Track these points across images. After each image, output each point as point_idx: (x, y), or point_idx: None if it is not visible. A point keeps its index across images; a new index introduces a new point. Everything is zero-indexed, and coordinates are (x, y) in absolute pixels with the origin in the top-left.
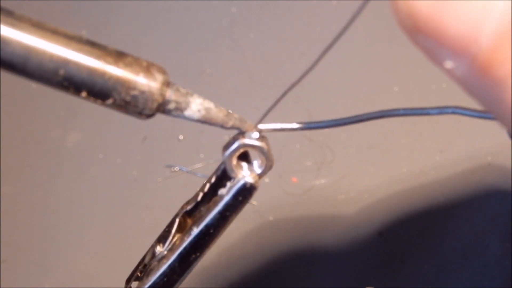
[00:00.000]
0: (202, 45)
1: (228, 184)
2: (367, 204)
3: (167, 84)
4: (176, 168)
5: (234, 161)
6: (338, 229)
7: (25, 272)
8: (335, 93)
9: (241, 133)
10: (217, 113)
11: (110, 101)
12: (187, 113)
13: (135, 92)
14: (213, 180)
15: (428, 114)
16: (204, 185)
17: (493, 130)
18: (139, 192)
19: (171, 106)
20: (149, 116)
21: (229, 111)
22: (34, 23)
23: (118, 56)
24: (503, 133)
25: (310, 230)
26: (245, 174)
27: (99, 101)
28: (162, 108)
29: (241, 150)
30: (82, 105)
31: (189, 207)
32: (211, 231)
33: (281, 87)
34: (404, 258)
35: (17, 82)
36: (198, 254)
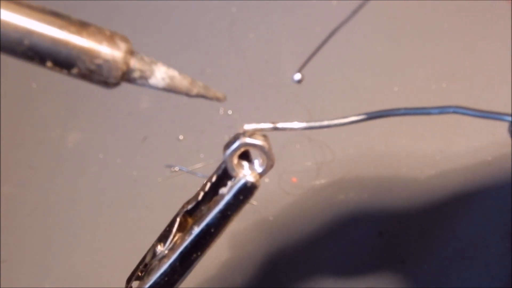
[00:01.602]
0: (202, 45)
1: (229, 183)
2: (367, 204)
3: (130, 52)
4: (176, 168)
5: (235, 160)
6: (338, 229)
7: (25, 272)
8: (335, 93)
9: (242, 133)
10: (181, 81)
11: (75, 70)
12: (152, 81)
13: (99, 61)
14: (214, 179)
15: (429, 113)
16: (205, 184)
17: (493, 130)
18: (139, 192)
19: (136, 74)
20: (115, 84)
21: (194, 79)
22: None
23: (82, 25)
24: (503, 133)
25: (310, 230)
26: (246, 173)
27: (64, 70)
28: (126, 76)
29: (242, 149)
30: (82, 105)
31: (190, 207)
32: (212, 230)
33: (281, 87)
34: (404, 258)
35: (17, 82)
36: (199, 254)
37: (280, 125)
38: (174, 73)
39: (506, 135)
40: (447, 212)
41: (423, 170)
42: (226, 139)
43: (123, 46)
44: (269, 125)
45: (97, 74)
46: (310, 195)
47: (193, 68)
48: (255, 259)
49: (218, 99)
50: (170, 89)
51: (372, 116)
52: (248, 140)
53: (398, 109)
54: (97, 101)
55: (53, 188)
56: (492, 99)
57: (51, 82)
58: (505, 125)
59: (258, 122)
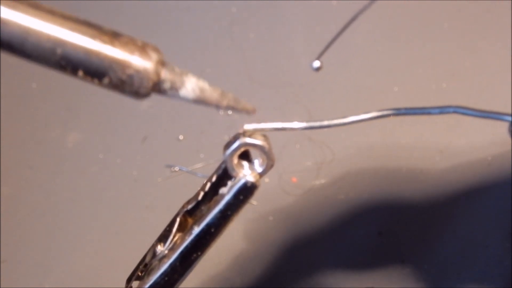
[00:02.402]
0: (202, 45)
1: (229, 183)
2: (367, 204)
3: (162, 63)
4: (176, 168)
5: (235, 160)
6: (338, 229)
7: (25, 272)
8: (335, 93)
9: (242, 133)
10: (212, 92)
11: (106, 80)
12: (182, 92)
13: (130, 71)
14: (214, 179)
15: (429, 113)
16: (205, 184)
17: (493, 130)
18: (139, 192)
19: (166, 85)
20: (145, 95)
21: (224, 90)
22: (31, 3)
23: (114, 35)
24: (503, 133)
25: (310, 230)
26: (246, 173)
27: (95, 80)
28: (157, 87)
29: (242, 149)
30: (82, 105)
31: (190, 206)
32: (212, 230)
33: (281, 87)
34: (404, 258)
35: (17, 82)
36: (199, 253)
37: (280, 125)
38: (204, 84)
39: (506, 135)
40: (447, 212)
41: (423, 170)
42: (226, 139)
43: (154, 56)
44: (269, 125)
45: (128, 85)
46: (310, 195)
47: (193, 68)
48: (255, 259)
49: (247, 112)
50: (200, 101)
51: (373, 116)
52: (248, 140)
53: (399, 109)
54: (97, 101)
55: (53, 188)
56: (492, 99)
57: (51, 82)
58: (505, 125)
59: (258, 122)
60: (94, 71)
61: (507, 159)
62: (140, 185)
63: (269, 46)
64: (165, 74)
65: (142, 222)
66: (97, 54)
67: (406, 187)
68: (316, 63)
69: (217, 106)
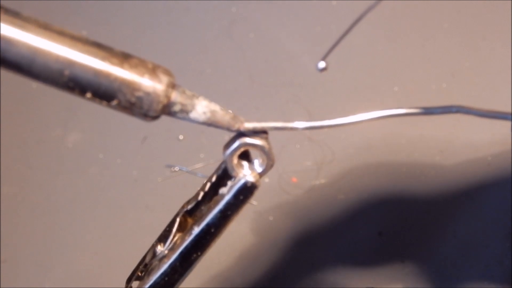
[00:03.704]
0: (202, 45)
1: (229, 183)
2: (367, 204)
3: (172, 86)
4: (176, 168)
5: (235, 160)
6: (338, 229)
7: (25, 272)
8: (335, 93)
9: (242, 133)
10: (223, 116)
11: (115, 102)
12: (193, 115)
13: (140, 94)
14: (214, 179)
15: (431, 113)
16: (205, 184)
17: (493, 130)
18: (139, 192)
19: (176, 108)
20: (154, 118)
21: (236, 114)
22: (40, 24)
23: (124, 57)
24: (503, 133)
25: (310, 230)
26: (246, 173)
27: (104, 102)
28: (167, 110)
29: (242, 149)
30: (82, 105)
31: (190, 206)
32: (212, 230)
33: (281, 87)
34: (404, 258)
35: (17, 82)
36: (199, 253)
37: (280, 124)
38: (215, 107)
39: (506, 135)
40: (447, 212)
41: (423, 170)
42: (226, 139)
43: (165, 79)
44: (269, 124)
45: (137, 107)
46: (310, 195)
47: (193, 68)
48: (255, 259)
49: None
50: (211, 124)
51: (374, 117)
52: (248, 140)
53: (400, 109)
54: None
55: (53, 188)
56: (492, 99)
57: None
58: (506, 125)
59: (258, 121)
60: (103, 93)
61: (507, 159)
62: (140, 185)
63: (269, 46)
64: (175, 97)
65: (142, 222)
66: (107, 76)
67: (406, 187)
68: (322, 64)
69: (228, 129)
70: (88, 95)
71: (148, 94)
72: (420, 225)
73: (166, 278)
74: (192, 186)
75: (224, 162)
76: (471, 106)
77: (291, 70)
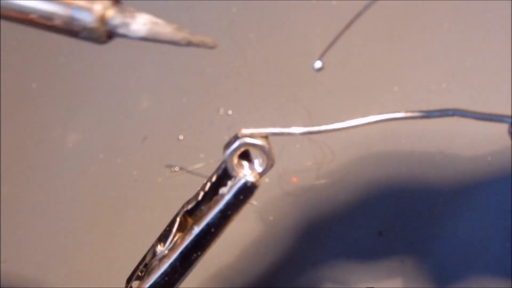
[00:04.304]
0: None
1: (229, 183)
2: (367, 204)
3: (113, 2)
4: (176, 168)
5: (235, 160)
6: (338, 229)
7: (25, 272)
8: (335, 93)
9: (243, 134)
10: (165, 27)
11: (57, 21)
12: (133, 27)
13: (75, 6)
14: (214, 179)
15: (428, 117)
16: (205, 184)
17: (493, 130)
18: (139, 192)
19: (117, 21)
20: (99, 35)
21: (180, 26)
22: None
23: None
24: (503, 133)
25: (310, 230)
26: (246, 173)
27: (48, 22)
28: (107, 24)
29: (242, 149)
30: (82, 105)
31: (190, 206)
32: (212, 230)
33: (281, 87)
34: (404, 258)
35: (17, 82)
36: (199, 253)
37: (278, 130)
38: (157, 20)
39: (506, 135)
40: (447, 212)
41: (423, 170)
42: (226, 139)
43: None
44: (267, 130)
45: (76, 23)
46: (310, 195)
47: (193, 68)
48: (255, 259)
49: (207, 46)
50: (153, 37)
51: (371, 121)
52: (248, 140)
53: (397, 113)
54: (97, 101)
55: (53, 188)
56: (492, 99)
57: (51, 82)
58: (505, 125)
59: (258, 122)
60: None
61: (507, 159)
62: (140, 185)
63: (269, 46)
64: (115, 10)
65: (142, 222)
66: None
67: (406, 187)
68: (318, 64)
69: (173, 42)
70: (32, 16)
71: (83, 7)
72: (420, 225)
73: (166, 278)
74: (192, 186)
75: (224, 162)
76: (471, 106)
77: (291, 70)
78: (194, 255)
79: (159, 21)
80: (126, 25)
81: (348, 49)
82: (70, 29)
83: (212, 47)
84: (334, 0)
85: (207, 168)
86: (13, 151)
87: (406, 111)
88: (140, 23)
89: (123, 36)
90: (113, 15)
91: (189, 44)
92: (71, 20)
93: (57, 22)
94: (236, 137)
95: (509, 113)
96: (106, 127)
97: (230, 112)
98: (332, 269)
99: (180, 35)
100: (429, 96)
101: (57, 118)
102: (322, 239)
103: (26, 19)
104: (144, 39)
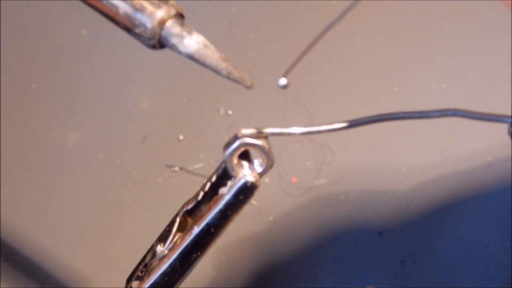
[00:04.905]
0: None
1: (229, 183)
2: (367, 204)
3: (179, 14)
4: (176, 168)
5: (235, 160)
6: (338, 229)
7: (25, 272)
8: (335, 93)
9: (243, 134)
10: (214, 52)
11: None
12: (186, 41)
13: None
14: (214, 179)
15: (428, 117)
16: (205, 184)
17: (493, 130)
18: (139, 192)
19: (174, 30)
20: (152, 37)
21: (228, 57)
22: None
23: None
24: (503, 133)
25: (310, 230)
26: (246, 173)
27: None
28: (165, 29)
29: (242, 149)
30: (82, 105)
31: (189, 206)
32: (212, 230)
33: (281, 87)
34: (404, 258)
35: (17, 82)
36: (199, 253)
37: (278, 130)
38: (210, 44)
39: (506, 135)
40: (447, 212)
41: (423, 170)
42: (226, 139)
43: (174, 3)
44: (267, 130)
45: (137, 17)
46: (310, 195)
47: (193, 68)
48: (255, 259)
49: (244, 83)
50: (200, 57)
51: (371, 120)
52: (248, 140)
53: (397, 113)
54: (97, 101)
55: (53, 188)
56: (492, 99)
57: (51, 82)
58: (505, 125)
59: (258, 122)
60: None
61: (507, 158)
62: (140, 185)
63: (269, 46)
64: (176, 21)
65: (142, 222)
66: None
67: (406, 187)
68: (283, 81)
69: (215, 69)
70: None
71: (151, 12)
72: (420, 225)
73: (166, 278)
74: (192, 186)
75: (224, 162)
76: (471, 106)
77: (291, 70)
78: (194, 255)
79: (211, 46)
80: (181, 37)
81: (348, 49)
82: (129, 22)
83: (248, 87)
84: (334, 0)
85: (207, 168)
86: (13, 151)
87: (406, 111)
88: (194, 41)
89: (173, 47)
90: (172, 24)
91: (229, 75)
92: (133, 13)
93: (121, 12)
94: (236, 137)
95: (509, 113)
96: (106, 127)
97: (230, 112)
98: (332, 269)
99: (224, 65)
100: (429, 96)
101: (57, 118)
102: (322, 239)
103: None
104: (191, 56)
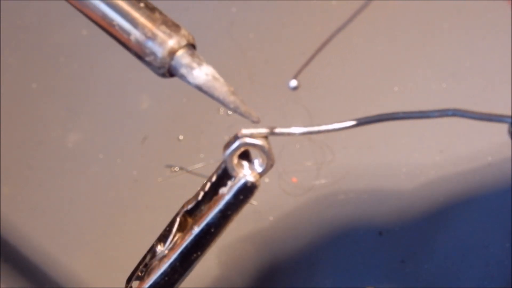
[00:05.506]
0: (202, 45)
1: (229, 183)
2: (367, 204)
3: (190, 44)
4: (176, 168)
5: (235, 160)
6: (338, 229)
7: (25, 272)
8: (335, 93)
9: (243, 134)
10: (223, 85)
11: (132, 37)
12: (196, 72)
13: (151, 34)
14: (214, 179)
15: (428, 117)
16: (205, 184)
17: (493, 130)
18: (139, 192)
19: (184, 60)
20: (162, 65)
21: (236, 91)
22: None
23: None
24: (503, 133)
25: (310, 230)
26: (246, 173)
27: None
28: (175, 59)
29: (242, 149)
30: (82, 105)
31: (190, 206)
32: (212, 230)
33: (281, 87)
34: (404, 258)
35: (17, 82)
36: (199, 253)
37: (278, 130)
38: (219, 76)
39: (506, 135)
40: (447, 212)
41: (423, 170)
42: (226, 139)
43: (185, 33)
44: (266, 130)
45: (148, 46)
46: (310, 195)
47: None
48: (255, 259)
49: (250, 118)
50: (208, 89)
51: (371, 120)
52: (248, 140)
53: (397, 113)
54: (97, 101)
55: (53, 188)
56: (492, 99)
57: (51, 82)
58: (505, 125)
59: (258, 122)
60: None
61: (507, 158)
62: (140, 185)
63: (269, 46)
64: (187, 52)
65: (142, 222)
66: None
67: (406, 187)
68: (293, 83)
69: (223, 102)
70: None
71: (161, 40)
72: (420, 225)
73: (166, 278)
74: (192, 186)
75: (224, 162)
76: (471, 106)
77: (291, 70)
78: (194, 255)
79: (221, 78)
80: (190, 68)
81: (348, 49)
82: (140, 50)
83: (255, 122)
84: (334, 0)
85: (207, 168)
86: (13, 151)
87: (406, 111)
88: (203, 72)
89: (182, 77)
90: (182, 54)
91: (236, 109)
92: (145, 42)
93: (132, 39)
94: (236, 137)
95: (509, 113)
96: (106, 127)
97: (230, 112)
98: (332, 269)
99: (232, 98)
100: (429, 96)
101: (57, 118)
102: (322, 239)
103: (108, 25)
104: (199, 87)
